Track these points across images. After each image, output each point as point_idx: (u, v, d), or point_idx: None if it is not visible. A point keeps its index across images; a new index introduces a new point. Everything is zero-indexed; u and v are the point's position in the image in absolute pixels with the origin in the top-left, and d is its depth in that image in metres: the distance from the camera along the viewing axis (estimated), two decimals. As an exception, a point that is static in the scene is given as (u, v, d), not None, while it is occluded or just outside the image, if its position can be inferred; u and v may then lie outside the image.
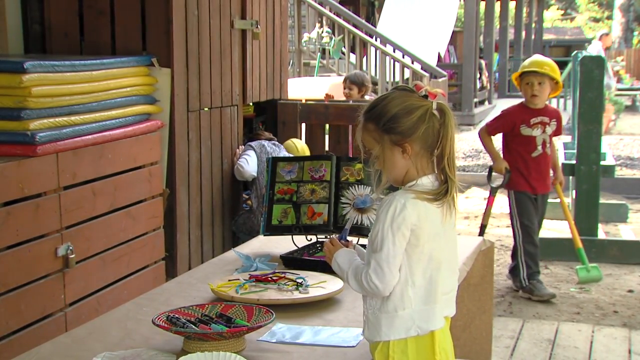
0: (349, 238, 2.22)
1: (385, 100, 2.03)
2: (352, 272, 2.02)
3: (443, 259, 2.01)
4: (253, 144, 5.50)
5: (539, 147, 5.15)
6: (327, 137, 6.24)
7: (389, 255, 1.95)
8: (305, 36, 10.98)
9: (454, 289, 2.10)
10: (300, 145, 5.73)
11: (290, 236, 3.08)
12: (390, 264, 1.95)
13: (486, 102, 17.74)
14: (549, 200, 8.12)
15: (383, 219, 1.96)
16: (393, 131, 1.99)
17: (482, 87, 17.15)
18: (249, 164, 5.29)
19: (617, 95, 17.38)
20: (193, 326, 2.11)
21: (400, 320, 1.98)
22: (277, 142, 5.68)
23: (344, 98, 6.94)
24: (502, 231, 7.19)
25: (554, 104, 14.65)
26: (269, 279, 2.58)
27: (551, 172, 5.34)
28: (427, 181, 2.00)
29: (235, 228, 5.41)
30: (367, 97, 6.83)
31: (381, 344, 2.00)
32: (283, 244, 3.09)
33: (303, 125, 6.17)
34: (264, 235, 3.15)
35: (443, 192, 1.99)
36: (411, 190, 1.99)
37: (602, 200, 6.31)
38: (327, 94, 7.12)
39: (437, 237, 1.99)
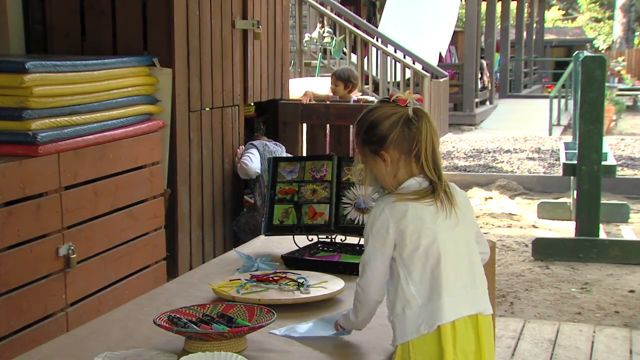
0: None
1: (365, 114, 2.10)
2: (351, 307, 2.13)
3: (443, 253, 2.01)
4: (255, 142, 5.50)
5: None
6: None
7: (369, 257, 2.04)
8: (307, 36, 10.99)
9: (478, 285, 2.09)
10: None
11: (292, 236, 3.08)
12: (371, 266, 2.03)
13: (487, 102, 17.75)
14: (549, 200, 8.18)
15: (366, 225, 2.07)
16: (369, 141, 2.06)
17: (484, 87, 17.16)
18: (253, 161, 5.30)
19: (618, 95, 17.40)
20: (194, 326, 2.11)
21: (410, 320, 2.00)
22: (278, 142, 5.68)
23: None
24: (502, 231, 7.19)
25: (554, 104, 14.66)
26: (270, 279, 2.58)
27: None
28: (414, 182, 2.04)
29: (236, 228, 5.41)
30: (353, 97, 6.76)
31: (399, 347, 2.02)
32: (284, 244, 3.09)
33: (304, 125, 6.17)
34: (265, 235, 3.15)
35: (429, 192, 2.02)
36: (394, 193, 2.04)
37: (603, 201, 6.30)
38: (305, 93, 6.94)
39: (429, 233, 2.00)
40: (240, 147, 5.49)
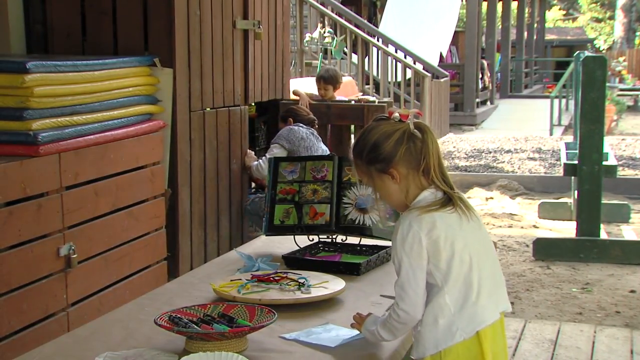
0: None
1: (364, 134, 2.08)
2: (380, 324, 2.06)
3: (474, 256, 2.02)
4: (292, 137, 5.38)
5: None
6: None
7: (408, 276, 1.98)
8: (307, 36, 10.98)
9: (501, 283, 2.10)
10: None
11: (292, 236, 3.08)
12: (412, 284, 1.98)
13: (488, 102, 17.75)
14: (550, 200, 8.18)
15: (395, 245, 2.02)
16: (376, 160, 2.04)
17: (484, 88, 17.16)
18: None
19: (619, 95, 17.40)
20: (195, 326, 2.11)
21: (443, 328, 1.99)
22: (315, 132, 5.56)
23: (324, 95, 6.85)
24: (503, 231, 7.19)
25: (555, 104, 14.66)
26: (271, 279, 2.59)
27: None
28: (428, 194, 2.04)
29: (250, 207, 5.32)
30: (339, 98, 6.74)
31: (429, 358, 2.01)
32: (285, 244, 3.09)
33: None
34: (266, 235, 3.16)
35: (447, 200, 2.03)
36: (414, 208, 2.02)
37: (604, 201, 6.29)
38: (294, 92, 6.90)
39: (460, 239, 2.01)
40: (248, 150, 5.46)
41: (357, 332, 2.17)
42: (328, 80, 6.58)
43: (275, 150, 5.33)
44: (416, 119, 2.05)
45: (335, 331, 2.23)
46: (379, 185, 2.07)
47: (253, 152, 5.54)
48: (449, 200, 2.02)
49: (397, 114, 2.05)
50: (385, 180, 2.04)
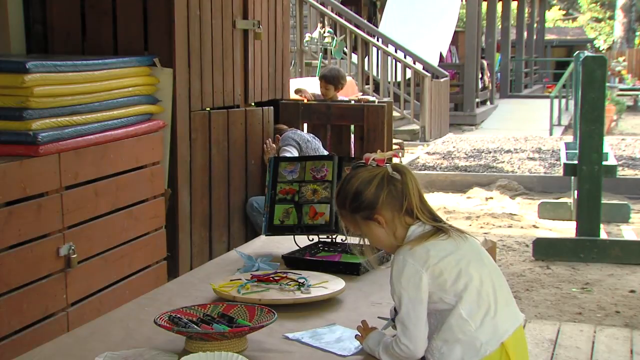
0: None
1: (344, 184, 2.10)
2: (383, 348, 2.05)
3: (482, 271, 2.03)
4: (297, 138, 5.40)
5: None
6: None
7: (409, 312, 1.99)
8: (307, 36, 11.00)
9: (510, 293, 2.11)
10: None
11: (292, 236, 3.08)
12: (412, 319, 1.98)
13: (488, 102, 17.76)
14: (550, 200, 8.18)
15: (392, 282, 2.02)
16: (359, 208, 2.06)
17: (484, 87, 17.16)
18: None
19: (619, 95, 17.42)
20: (195, 326, 2.11)
21: (466, 344, 1.99)
22: (315, 136, 5.61)
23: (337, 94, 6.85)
24: (503, 231, 7.19)
25: (555, 104, 14.67)
26: (271, 279, 2.59)
27: None
28: (415, 227, 2.06)
29: (257, 205, 5.30)
30: (341, 98, 6.74)
31: None
32: (285, 244, 3.09)
33: (305, 125, 6.16)
34: (266, 235, 3.16)
35: (437, 230, 2.04)
36: (405, 243, 2.04)
37: (604, 201, 6.28)
38: (297, 90, 6.90)
39: (462, 258, 2.02)
40: (268, 140, 5.45)
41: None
42: (329, 79, 6.59)
43: (290, 149, 5.34)
44: (393, 161, 2.08)
45: (340, 332, 2.23)
46: (366, 232, 2.09)
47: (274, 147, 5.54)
48: (439, 229, 2.04)
49: (373, 159, 2.07)
50: (371, 226, 2.06)
